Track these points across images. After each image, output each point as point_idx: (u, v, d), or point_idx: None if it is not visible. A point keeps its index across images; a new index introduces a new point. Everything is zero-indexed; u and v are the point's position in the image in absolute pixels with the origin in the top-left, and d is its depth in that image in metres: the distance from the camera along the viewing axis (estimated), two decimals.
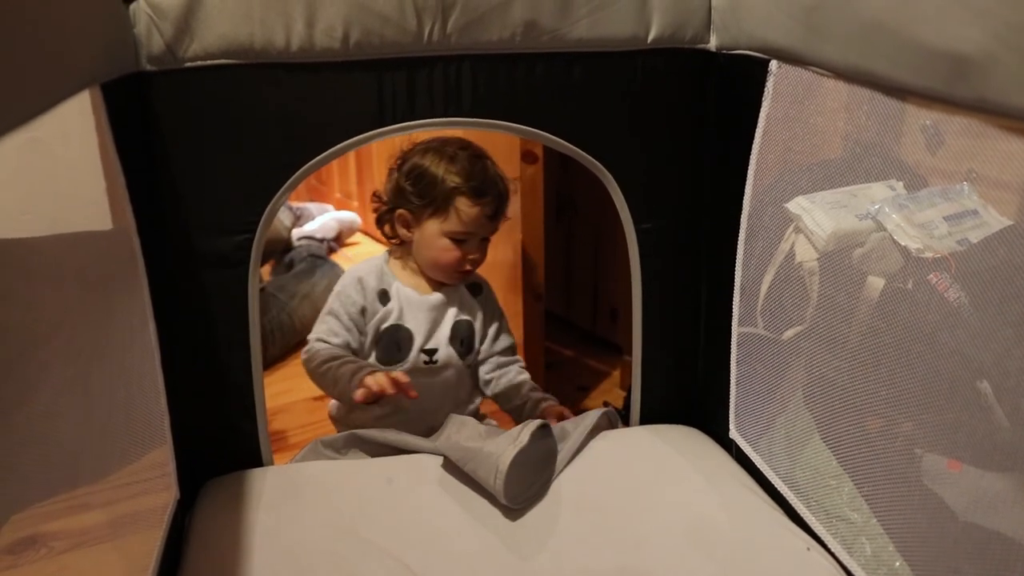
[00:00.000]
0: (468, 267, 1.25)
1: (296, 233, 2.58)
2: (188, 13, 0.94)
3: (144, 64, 0.95)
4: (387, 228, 1.28)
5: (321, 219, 2.73)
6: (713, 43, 1.09)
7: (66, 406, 0.73)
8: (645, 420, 1.28)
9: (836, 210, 0.93)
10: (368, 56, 1.01)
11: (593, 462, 1.14)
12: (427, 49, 1.02)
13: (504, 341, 1.35)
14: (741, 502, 1.05)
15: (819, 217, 0.94)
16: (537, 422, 1.10)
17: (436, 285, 1.28)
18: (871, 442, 0.86)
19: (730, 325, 1.13)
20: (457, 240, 1.22)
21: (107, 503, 0.88)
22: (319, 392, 1.80)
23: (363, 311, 1.25)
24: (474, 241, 1.23)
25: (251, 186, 1.04)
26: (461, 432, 1.12)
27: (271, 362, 1.95)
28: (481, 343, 1.32)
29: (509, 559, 0.98)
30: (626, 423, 1.30)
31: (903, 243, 0.85)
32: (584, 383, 1.84)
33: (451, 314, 1.28)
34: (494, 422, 1.36)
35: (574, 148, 1.12)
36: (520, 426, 1.09)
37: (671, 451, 1.17)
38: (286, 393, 1.83)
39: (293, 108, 1.02)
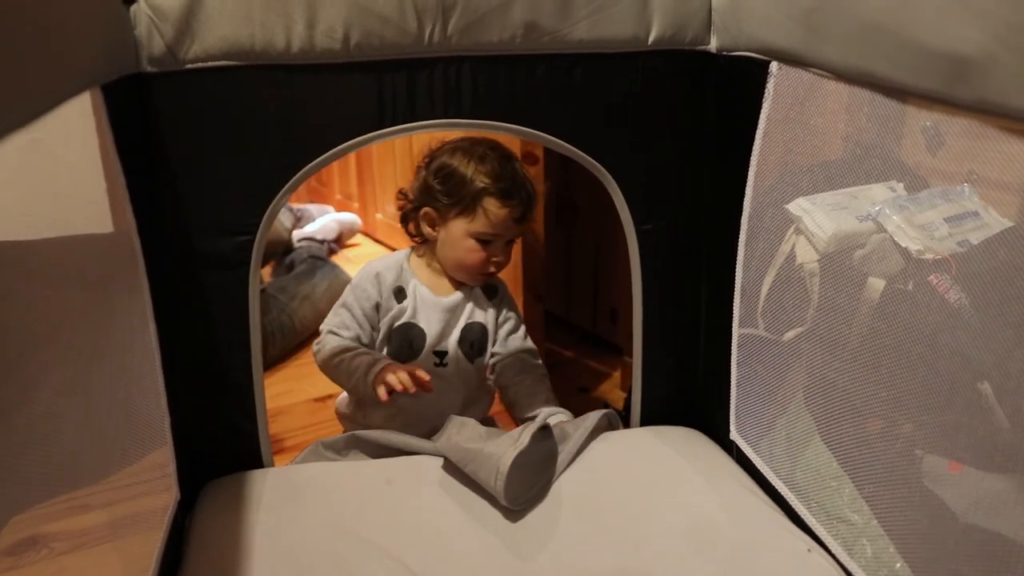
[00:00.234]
0: (492, 269, 1.24)
1: (297, 234, 2.58)
2: (189, 14, 0.94)
3: (145, 65, 0.95)
4: (411, 226, 1.28)
5: (322, 220, 2.73)
6: (713, 44, 1.09)
7: (66, 407, 0.73)
8: (645, 421, 1.28)
9: (837, 211, 0.93)
10: (368, 57, 1.01)
11: (593, 463, 1.14)
12: (427, 50, 1.02)
13: (515, 342, 1.33)
14: (741, 503, 1.05)
15: (820, 218, 0.94)
16: (538, 423, 1.10)
17: (456, 285, 1.28)
18: (872, 443, 0.86)
19: (730, 326, 1.13)
20: (483, 241, 1.21)
21: (107, 504, 0.88)
22: (320, 393, 1.82)
23: (377, 307, 1.26)
24: (500, 243, 1.23)
25: (252, 187, 1.04)
26: (461, 433, 1.12)
27: (271, 363, 1.95)
28: (493, 345, 1.32)
29: (509, 560, 0.98)
30: (626, 424, 1.30)
31: (904, 244, 0.85)
32: (584, 384, 1.84)
33: (464, 316, 1.27)
34: (497, 423, 1.36)
35: (574, 149, 1.12)
36: (521, 427, 1.09)
37: (671, 452, 1.17)
38: (286, 394, 1.83)
39: (293, 109, 1.02)
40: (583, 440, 1.15)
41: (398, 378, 1.14)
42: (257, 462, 1.14)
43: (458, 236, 1.22)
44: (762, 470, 1.09)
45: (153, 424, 0.99)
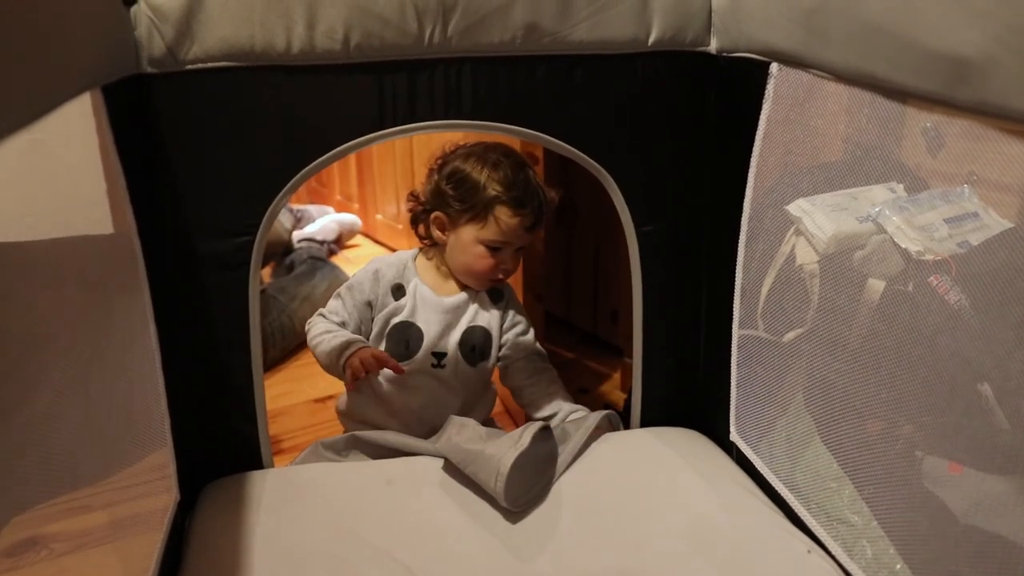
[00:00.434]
0: (500, 275, 1.24)
1: (297, 235, 2.58)
2: (189, 15, 0.94)
3: (145, 66, 0.95)
4: (421, 229, 1.28)
5: (322, 221, 2.73)
6: (713, 46, 1.09)
7: (66, 408, 0.73)
8: (645, 422, 1.28)
9: (837, 212, 0.93)
10: (369, 58, 1.01)
11: (593, 464, 1.14)
12: (428, 51, 1.02)
13: (526, 344, 1.32)
14: (741, 504, 1.05)
15: (820, 220, 0.94)
16: (538, 424, 1.10)
17: (461, 287, 1.28)
18: (872, 445, 0.86)
19: (731, 327, 1.13)
20: (492, 248, 1.21)
21: (107, 505, 0.88)
22: (319, 394, 1.82)
23: (369, 304, 1.26)
24: (509, 250, 1.22)
25: (252, 188, 1.04)
26: (462, 434, 1.12)
27: (271, 364, 1.95)
28: (499, 350, 1.32)
29: (509, 561, 0.97)
30: (626, 425, 1.30)
31: (904, 245, 0.85)
32: (584, 385, 1.84)
33: (466, 319, 1.27)
34: (497, 424, 1.35)
35: (574, 150, 1.12)
36: (521, 428, 1.09)
37: (671, 453, 1.17)
38: (286, 395, 1.83)
39: (294, 110, 1.02)
40: (583, 441, 1.15)
41: (358, 357, 1.16)
42: (257, 463, 1.14)
43: (468, 242, 1.21)
44: (762, 471, 1.09)
45: (153, 425, 0.99)
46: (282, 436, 1.64)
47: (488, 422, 1.34)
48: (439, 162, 1.26)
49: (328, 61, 1.00)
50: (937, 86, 0.69)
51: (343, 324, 1.26)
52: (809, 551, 0.95)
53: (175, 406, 1.03)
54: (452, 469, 1.10)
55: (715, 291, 1.17)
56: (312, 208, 2.82)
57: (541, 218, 1.23)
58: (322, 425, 1.69)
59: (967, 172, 0.81)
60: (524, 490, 1.05)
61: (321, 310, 1.28)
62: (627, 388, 1.43)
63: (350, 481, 1.11)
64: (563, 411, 1.27)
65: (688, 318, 1.24)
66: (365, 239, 2.88)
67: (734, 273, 1.10)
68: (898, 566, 0.83)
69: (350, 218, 2.84)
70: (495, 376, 1.36)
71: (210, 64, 0.97)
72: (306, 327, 1.28)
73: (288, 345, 2.02)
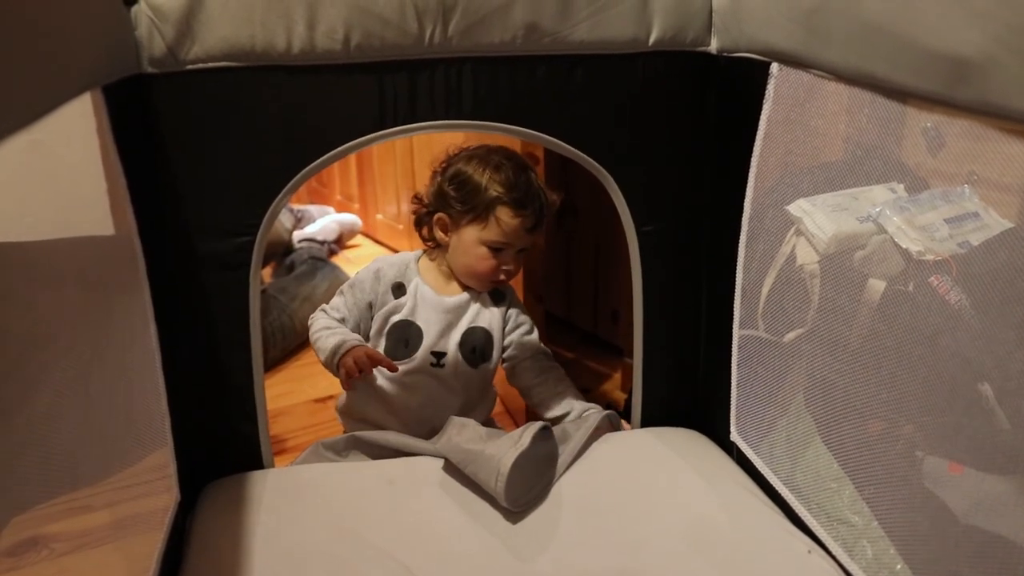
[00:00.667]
0: (502, 277, 1.24)
1: (297, 235, 2.58)
2: (189, 15, 0.94)
3: (145, 66, 0.95)
4: (424, 231, 1.28)
5: (322, 221, 2.73)
6: (714, 46, 1.09)
7: (67, 408, 0.73)
8: (646, 422, 1.28)
9: (837, 213, 0.93)
10: (369, 58, 1.01)
11: (594, 464, 1.14)
12: (428, 51, 1.02)
13: (531, 344, 1.32)
14: (742, 504, 1.05)
15: (820, 220, 0.94)
16: (538, 424, 1.10)
17: (463, 289, 1.28)
18: (872, 445, 0.86)
19: (731, 327, 1.13)
20: (494, 249, 1.21)
21: (108, 505, 0.88)
22: (320, 394, 1.82)
23: (370, 305, 1.26)
24: (511, 252, 1.23)
25: (252, 188, 1.04)
26: (462, 434, 1.12)
27: (272, 364, 1.95)
28: (503, 351, 1.31)
29: (510, 561, 0.97)
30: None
31: (904, 246, 0.84)
32: (585, 385, 1.84)
33: (467, 320, 1.27)
34: (497, 424, 1.35)
35: (575, 151, 1.12)
36: (521, 428, 1.09)
37: (672, 453, 1.17)
38: (287, 395, 1.83)
39: (294, 110, 1.02)
40: (584, 441, 1.15)
41: (354, 360, 1.17)
42: (257, 463, 1.15)
43: (470, 243, 1.22)
44: (762, 471, 1.09)
45: (153, 425, 0.99)
46: (283, 436, 1.64)
47: (488, 422, 1.34)
48: (442, 165, 1.27)
49: (328, 61, 1.00)
50: (937, 86, 0.69)
51: (343, 321, 1.26)
52: (809, 551, 0.95)
53: (176, 406, 1.04)
54: (452, 469, 1.10)
55: (715, 291, 1.17)
56: (312, 208, 2.82)
57: (542, 220, 1.23)
58: (322, 425, 1.69)
59: (967, 172, 0.81)
60: (524, 490, 1.05)
61: (324, 306, 1.29)
62: (627, 388, 1.44)
63: (350, 481, 1.11)
64: (575, 410, 1.27)
65: (689, 318, 1.24)
66: (365, 239, 2.88)
67: (734, 273, 1.10)
68: (898, 566, 0.83)
69: (350, 218, 2.84)
70: (498, 376, 1.36)
71: (211, 64, 0.97)
72: (309, 322, 1.29)
73: (288, 345, 2.03)
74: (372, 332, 1.27)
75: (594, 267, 1.95)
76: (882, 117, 0.80)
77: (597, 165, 1.13)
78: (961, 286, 0.75)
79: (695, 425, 1.26)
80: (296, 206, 2.74)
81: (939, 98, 0.70)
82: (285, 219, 2.54)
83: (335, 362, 1.20)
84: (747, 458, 1.12)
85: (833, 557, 0.94)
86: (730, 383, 1.15)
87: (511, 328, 1.31)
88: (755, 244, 1.06)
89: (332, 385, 1.31)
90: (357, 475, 1.13)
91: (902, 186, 0.87)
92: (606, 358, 1.91)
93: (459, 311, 1.26)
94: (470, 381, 1.28)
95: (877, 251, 0.88)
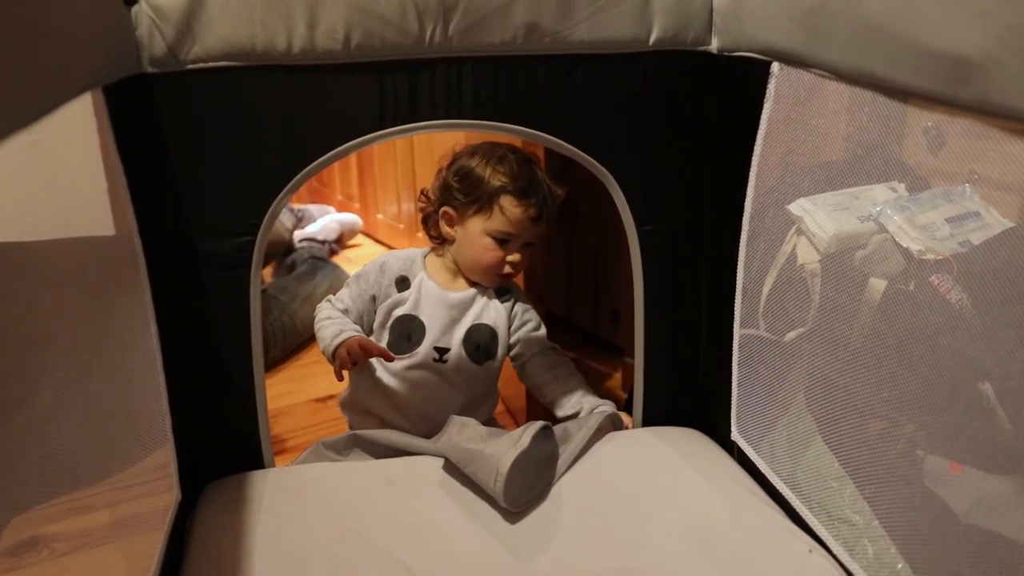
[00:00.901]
0: (508, 270, 1.24)
1: (298, 235, 2.58)
2: (190, 15, 0.94)
3: (146, 66, 0.95)
4: (431, 227, 1.29)
5: (322, 221, 2.73)
6: (714, 45, 1.09)
7: (67, 408, 0.73)
8: (647, 422, 1.28)
9: (838, 212, 0.93)
10: (369, 58, 1.01)
11: (594, 464, 1.14)
12: (428, 51, 1.02)
13: (539, 340, 1.32)
14: (743, 504, 1.05)
15: (821, 219, 0.94)
16: (539, 424, 1.10)
17: (470, 285, 1.28)
18: (873, 444, 0.86)
19: (732, 327, 1.13)
20: (500, 241, 1.22)
21: (109, 505, 0.88)
22: (320, 394, 1.82)
23: (373, 299, 1.27)
24: (517, 243, 1.23)
25: (252, 188, 1.04)
26: (462, 434, 1.12)
27: (272, 364, 1.95)
28: (509, 349, 1.31)
29: (510, 561, 0.97)
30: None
31: (905, 245, 0.84)
32: None
33: (471, 316, 1.27)
34: (499, 423, 1.35)
35: (575, 150, 1.12)
36: (522, 428, 1.09)
37: (673, 453, 1.17)
38: (287, 395, 1.83)
39: (294, 110, 1.02)
40: (585, 441, 1.15)
41: (347, 350, 1.18)
42: (258, 463, 1.15)
43: (475, 234, 1.22)
44: (763, 471, 1.09)
45: (154, 425, 0.99)
46: (283, 436, 1.64)
47: (491, 421, 1.34)
48: (448, 161, 1.27)
49: (329, 61, 1.00)
50: (938, 85, 0.69)
51: (346, 312, 1.27)
52: (810, 550, 0.95)
53: (176, 406, 1.04)
54: (453, 469, 1.10)
55: (716, 291, 1.17)
56: (313, 208, 2.82)
57: (546, 211, 1.23)
58: (323, 425, 1.69)
59: (968, 171, 0.81)
60: (524, 490, 1.05)
61: (330, 296, 1.30)
62: (628, 388, 1.43)
63: (351, 481, 1.11)
64: (585, 407, 1.28)
65: (689, 318, 1.24)
66: (366, 239, 2.88)
67: (735, 273, 1.10)
68: (899, 565, 0.83)
69: (351, 218, 2.84)
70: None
71: (211, 64, 0.97)
72: (315, 312, 1.30)
73: (289, 345, 2.03)
74: (376, 325, 1.27)
75: (594, 267, 1.95)
76: (883, 116, 0.80)
77: (598, 165, 1.13)
78: (962, 285, 0.75)
79: (696, 425, 1.26)
80: (297, 206, 2.74)
81: (940, 97, 0.70)
82: (286, 219, 2.54)
83: (331, 351, 1.21)
84: (748, 457, 1.12)
85: (834, 556, 0.94)
86: (731, 382, 1.15)
87: (517, 325, 1.31)
88: (756, 243, 1.06)
89: (332, 385, 1.31)
90: (357, 475, 1.13)
91: (903, 185, 0.87)
92: (606, 358, 1.91)
93: (463, 307, 1.26)
94: (474, 378, 1.28)
95: (878, 250, 0.88)
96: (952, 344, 0.74)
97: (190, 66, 0.97)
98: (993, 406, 0.70)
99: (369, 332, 1.27)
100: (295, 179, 1.05)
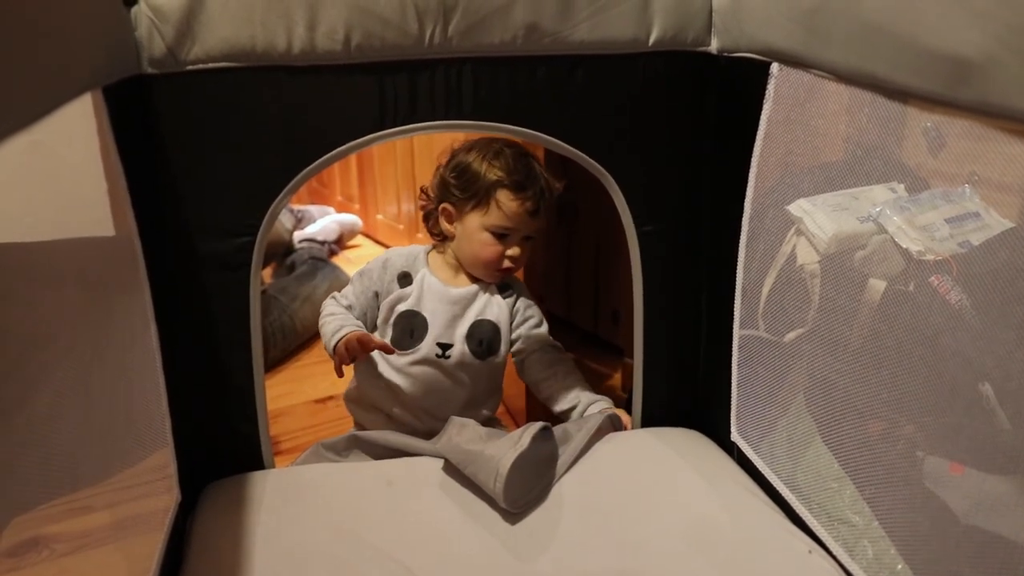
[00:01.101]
0: (508, 264, 1.24)
1: (297, 235, 2.58)
2: (189, 16, 0.94)
3: (145, 67, 0.95)
4: (431, 224, 1.29)
5: (322, 222, 2.73)
6: (714, 46, 1.09)
7: (67, 408, 0.73)
8: (646, 423, 1.28)
9: (838, 212, 0.93)
10: (369, 59, 1.01)
11: (594, 465, 1.14)
12: (428, 52, 1.02)
13: (540, 336, 1.33)
14: (742, 504, 1.05)
15: (820, 220, 0.94)
16: (538, 425, 1.10)
17: (472, 281, 1.28)
18: (873, 445, 0.86)
19: (731, 327, 1.13)
20: (498, 235, 1.22)
21: (109, 505, 0.88)
22: (320, 395, 1.82)
23: (376, 295, 1.27)
24: (515, 237, 1.23)
25: (252, 189, 1.04)
26: (462, 434, 1.11)
27: (272, 365, 1.95)
28: (511, 344, 1.32)
29: (510, 562, 0.97)
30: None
31: (904, 245, 0.85)
32: None
33: (473, 312, 1.27)
34: (501, 423, 1.35)
35: (575, 151, 1.12)
36: (521, 429, 1.09)
37: (672, 454, 1.17)
38: (287, 396, 1.83)
39: (294, 111, 1.02)
40: (585, 442, 1.15)
41: (346, 346, 1.18)
42: (258, 463, 1.15)
43: (473, 229, 1.22)
44: (763, 471, 1.09)
45: (154, 425, 0.99)
46: (283, 437, 1.64)
47: (492, 421, 1.34)
48: (446, 158, 1.28)
49: (329, 62, 1.00)
50: (938, 86, 0.69)
51: (349, 308, 1.28)
52: (810, 551, 0.95)
53: (176, 406, 1.03)
54: (452, 470, 1.10)
55: (716, 291, 1.17)
56: (313, 208, 2.82)
57: (544, 204, 1.23)
58: (323, 425, 1.69)
59: (968, 172, 0.81)
60: (523, 491, 1.05)
61: (335, 293, 1.30)
62: (628, 388, 1.43)
63: (351, 482, 1.11)
64: (582, 403, 1.28)
65: (689, 318, 1.24)
66: (366, 239, 2.88)
67: (735, 273, 1.10)
68: (899, 566, 0.83)
69: (351, 218, 2.84)
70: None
71: (211, 65, 0.97)
72: (320, 308, 1.30)
73: (289, 345, 2.03)
74: (379, 321, 1.27)
75: (594, 267, 1.95)
76: (882, 117, 0.80)
77: (597, 165, 1.13)
78: (962, 286, 0.75)
79: (695, 425, 1.26)
80: (296, 206, 2.74)
81: (940, 98, 0.70)
82: (285, 219, 2.54)
83: (331, 347, 1.21)
84: (747, 458, 1.12)
85: (834, 557, 0.94)
86: (730, 383, 1.15)
87: (519, 321, 1.31)
88: (755, 244, 1.06)
89: (332, 386, 1.31)
90: (357, 476, 1.13)
91: (902, 186, 0.87)
92: (606, 358, 1.91)
93: (466, 303, 1.27)
94: (477, 374, 1.28)
95: (878, 251, 0.88)
96: (952, 345, 0.74)
97: (190, 67, 0.97)
98: (993, 407, 0.70)
99: (373, 328, 1.28)
100: (295, 180, 1.05)
